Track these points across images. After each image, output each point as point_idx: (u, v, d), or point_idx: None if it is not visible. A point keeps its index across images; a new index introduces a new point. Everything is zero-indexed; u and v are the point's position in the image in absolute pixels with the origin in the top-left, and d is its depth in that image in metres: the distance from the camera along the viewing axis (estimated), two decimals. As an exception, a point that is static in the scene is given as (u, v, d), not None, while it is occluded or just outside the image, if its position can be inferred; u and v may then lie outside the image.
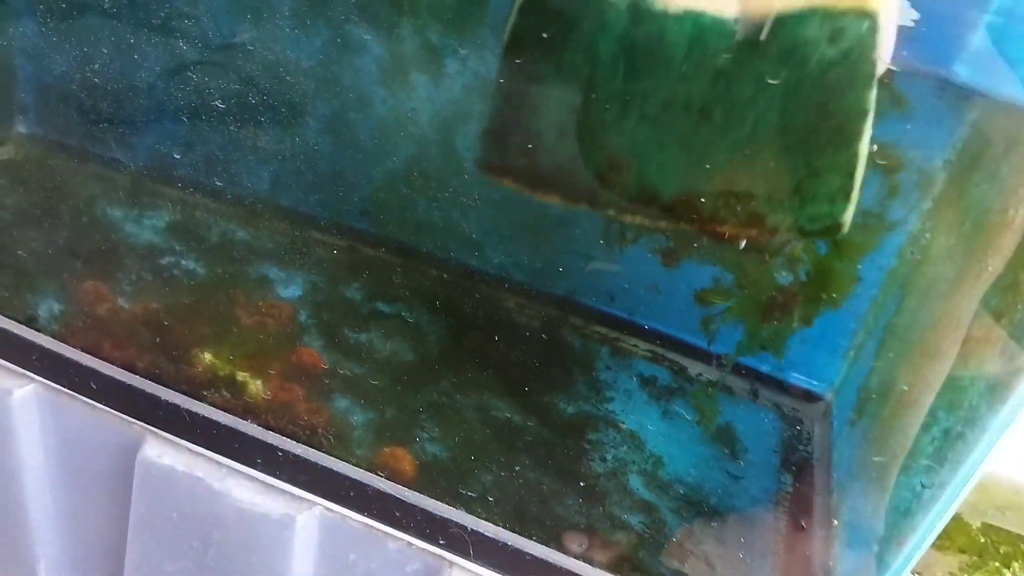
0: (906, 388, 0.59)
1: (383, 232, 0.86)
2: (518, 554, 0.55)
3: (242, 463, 0.58)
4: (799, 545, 0.64)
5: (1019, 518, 0.76)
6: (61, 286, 0.71)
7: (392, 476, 0.57)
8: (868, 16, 0.39)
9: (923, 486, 0.53)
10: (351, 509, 0.57)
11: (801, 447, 0.76)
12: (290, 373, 0.67)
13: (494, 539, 0.55)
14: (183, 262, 0.78)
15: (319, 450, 0.58)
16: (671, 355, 0.82)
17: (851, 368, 0.78)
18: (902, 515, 0.54)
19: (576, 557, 0.56)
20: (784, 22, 0.40)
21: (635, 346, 0.83)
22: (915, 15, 0.48)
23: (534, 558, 0.55)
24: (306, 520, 0.57)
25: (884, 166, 0.60)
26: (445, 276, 0.84)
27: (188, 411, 0.59)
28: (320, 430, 0.61)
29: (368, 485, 0.56)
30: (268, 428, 0.59)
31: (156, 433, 0.60)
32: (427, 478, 0.60)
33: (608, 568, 0.57)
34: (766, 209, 0.44)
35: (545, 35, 0.43)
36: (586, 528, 0.60)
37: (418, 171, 0.80)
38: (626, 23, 0.41)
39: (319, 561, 0.59)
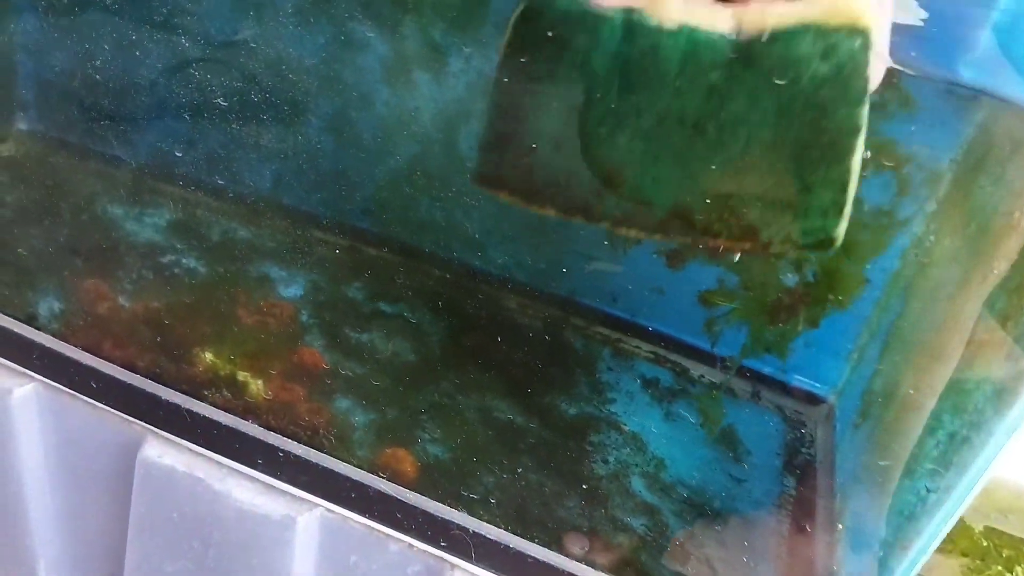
0: (912, 392, 0.59)
1: (385, 231, 0.85)
2: (520, 556, 0.55)
3: (243, 463, 0.58)
4: (802, 549, 0.64)
5: (1022, 522, 0.76)
6: (61, 284, 0.71)
7: (393, 478, 0.57)
8: (860, 33, 0.40)
9: (928, 490, 0.52)
10: (352, 510, 0.57)
11: (804, 450, 0.76)
12: (291, 373, 0.67)
13: (496, 541, 0.55)
14: (184, 261, 0.77)
15: (320, 451, 0.58)
16: (673, 356, 0.82)
17: (854, 371, 0.78)
18: (907, 519, 0.54)
19: (578, 560, 0.56)
20: (777, 38, 0.40)
21: (637, 347, 0.83)
22: (924, 14, 0.47)
23: (536, 560, 0.55)
24: (307, 521, 0.57)
25: (891, 167, 0.60)
26: (447, 276, 0.84)
27: (189, 411, 0.59)
28: (321, 431, 0.61)
29: (369, 486, 0.56)
30: (269, 428, 0.59)
31: (156, 433, 0.59)
32: (429, 480, 0.60)
33: (610, 571, 0.57)
34: (760, 223, 0.44)
35: (540, 50, 0.43)
36: (588, 530, 0.60)
37: (421, 170, 0.80)
38: (621, 38, 0.42)
39: (320, 562, 0.59)
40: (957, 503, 0.50)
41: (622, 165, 0.44)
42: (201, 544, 0.59)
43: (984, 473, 0.48)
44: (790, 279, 0.70)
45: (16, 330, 0.61)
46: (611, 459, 0.68)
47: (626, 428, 0.72)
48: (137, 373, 0.60)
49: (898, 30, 0.43)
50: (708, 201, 0.44)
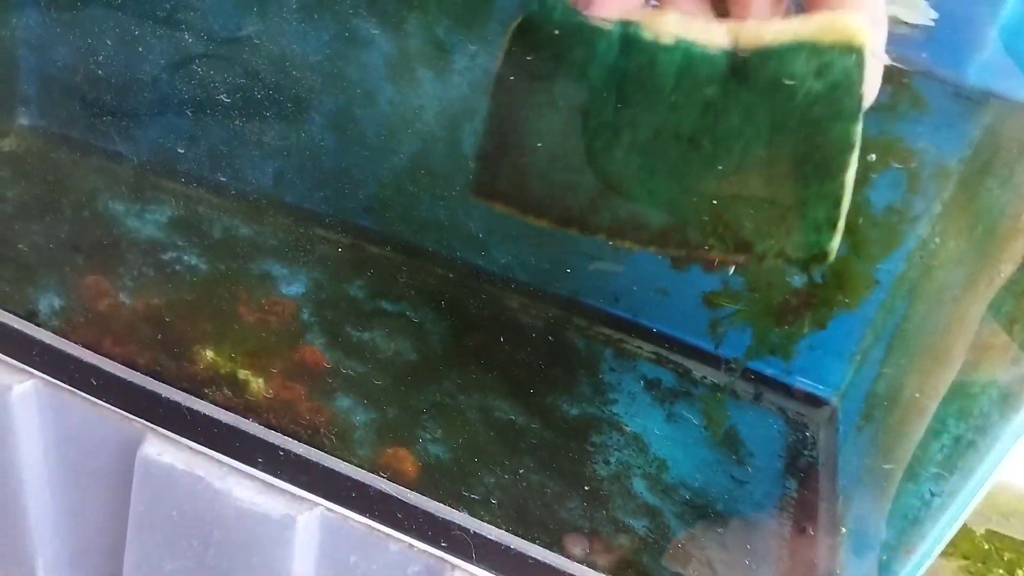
0: (917, 395, 0.59)
1: (388, 230, 0.85)
2: (521, 557, 0.55)
3: (243, 462, 0.58)
4: (804, 551, 0.64)
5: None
6: (62, 281, 0.70)
7: (394, 477, 0.57)
8: (854, 52, 0.40)
9: (932, 494, 0.52)
10: (353, 510, 0.57)
11: (806, 452, 0.76)
12: (292, 371, 0.67)
13: (497, 542, 0.55)
14: (185, 258, 0.77)
15: (321, 450, 0.57)
16: (675, 357, 0.82)
17: (857, 373, 0.78)
18: (910, 523, 0.54)
19: (579, 561, 0.56)
20: (772, 55, 0.40)
21: (639, 348, 0.83)
22: (934, 14, 0.47)
23: (537, 562, 0.55)
24: (307, 520, 0.57)
25: (901, 167, 0.60)
26: (450, 275, 0.83)
27: (189, 409, 0.58)
28: (322, 430, 0.60)
29: (370, 486, 0.56)
30: (270, 427, 0.58)
31: (156, 431, 0.59)
32: (429, 480, 0.60)
33: (611, 572, 0.57)
34: (754, 237, 0.44)
35: (537, 62, 0.44)
36: (589, 532, 0.60)
37: (424, 169, 0.79)
38: (618, 52, 0.42)
39: (320, 562, 0.58)
40: (962, 507, 0.50)
41: (618, 178, 0.44)
42: (201, 542, 0.58)
43: (989, 477, 0.48)
44: (797, 280, 0.70)
45: (16, 326, 0.61)
46: (612, 460, 0.68)
47: (628, 429, 0.72)
48: (137, 370, 0.60)
49: (909, 30, 0.43)
50: (703, 215, 0.44)
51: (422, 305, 0.80)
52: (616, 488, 0.65)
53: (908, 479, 0.57)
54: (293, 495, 0.57)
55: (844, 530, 0.65)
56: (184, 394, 0.59)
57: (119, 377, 0.59)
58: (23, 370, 0.61)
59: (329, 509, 0.57)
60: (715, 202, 0.44)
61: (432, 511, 0.55)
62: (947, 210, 0.66)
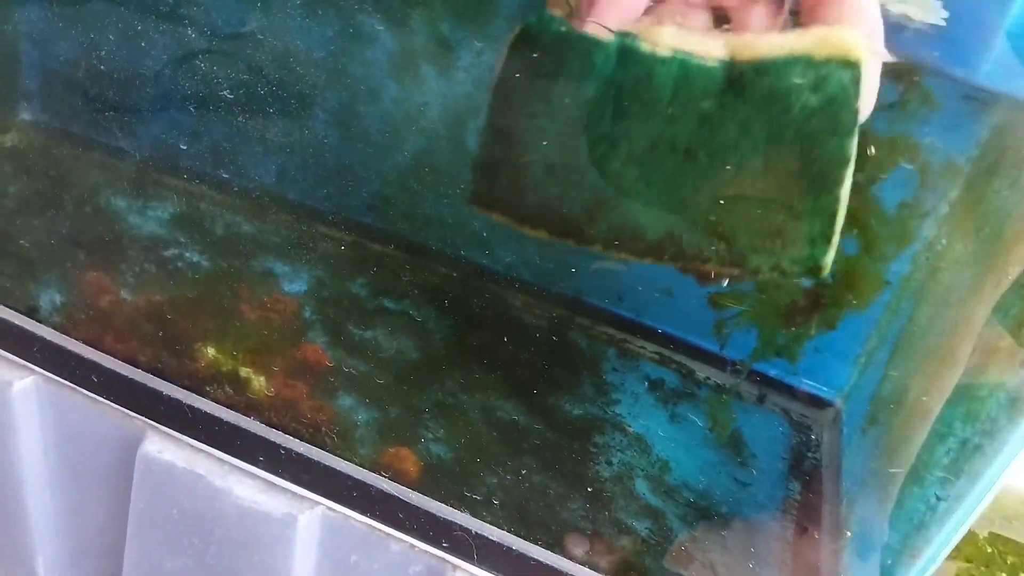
0: (924, 398, 0.58)
1: (391, 228, 0.85)
2: (522, 558, 0.55)
3: (244, 460, 0.58)
4: (807, 554, 0.63)
5: (1027, 528, 0.76)
6: (63, 277, 0.70)
7: (396, 477, 0.57)
8: (851, 66, 0.40)
9: (938, 498, 0.52)
10: (354, 509, 0.56)
11: (810, 454, 0.75)
12: (294, 370, 0.66)
13: (498, 543, 0.55)
14: (187, 255, 0.77)
15: (322, 449, 0.57)
16: (679, 358, 0.82)
17: (862, 375, 0.77)
18: (915, 527, 0.54)
19: (580, 563, 0.56)
20: (768, 68, 0.40)
21: (643, 348, 0.82)
22: (945, 14, 0.47)
23: (538, 563, 0.55)
24: (308, 520, 0.56)
25: (912, 166, 0.60)
26: (453, 274, 0.83)
27: (190, 406, 0.58)
28: (324, 428, 0.60)
29: (371, 486, 0.56)
30: (271, 425, 0.58)
31: (157, 428, 0.59)
32: (431, 479, 0.60)
33: (613, 574, 0.57)
34: (749, 250, 0.44)
35: (535, 73, 0.44)
36: (591, 533, 0.60)
37: (427, 166, 0.79)
38: (615, 64, 0.42)
39: (320, 561, 0.58)
40: (968, 512, 0.49)
41: (614, 190, 0.44)
42: (201, 541, 0.58)
43: (996, 481, 0.48)
44: (805, 281, 0.70)
45: (17, 322, 0.61)
46: (615, 461, 0.68)
47: (630, 429, 0.72)
48: (138, 367, 0.60)
49: (921, 29, 0.42)
50: (698, 227, 0.44)
51: (425, 304, 0.79)
52: (618, 489, 0.65)
53: (913, 483, 0.56)
54: (294, 494, 0.57)
55: (848, 533, 0.64)
56: (185, 392, 0.59)
57: (120, 374, 0.59)
58: (24, 366, 0.61)
59: (330, 508, 0.57)
60: (710, 215, 0.44)
61: (434, 511, 0.55)
62: (954, 211, 0.66)
